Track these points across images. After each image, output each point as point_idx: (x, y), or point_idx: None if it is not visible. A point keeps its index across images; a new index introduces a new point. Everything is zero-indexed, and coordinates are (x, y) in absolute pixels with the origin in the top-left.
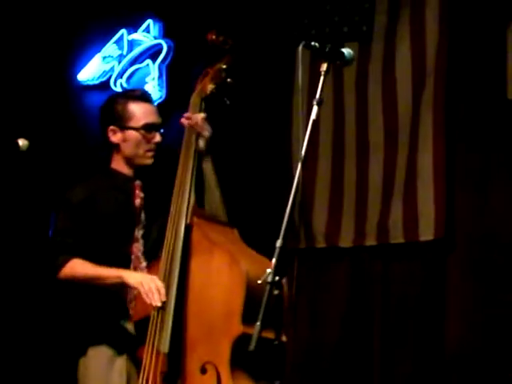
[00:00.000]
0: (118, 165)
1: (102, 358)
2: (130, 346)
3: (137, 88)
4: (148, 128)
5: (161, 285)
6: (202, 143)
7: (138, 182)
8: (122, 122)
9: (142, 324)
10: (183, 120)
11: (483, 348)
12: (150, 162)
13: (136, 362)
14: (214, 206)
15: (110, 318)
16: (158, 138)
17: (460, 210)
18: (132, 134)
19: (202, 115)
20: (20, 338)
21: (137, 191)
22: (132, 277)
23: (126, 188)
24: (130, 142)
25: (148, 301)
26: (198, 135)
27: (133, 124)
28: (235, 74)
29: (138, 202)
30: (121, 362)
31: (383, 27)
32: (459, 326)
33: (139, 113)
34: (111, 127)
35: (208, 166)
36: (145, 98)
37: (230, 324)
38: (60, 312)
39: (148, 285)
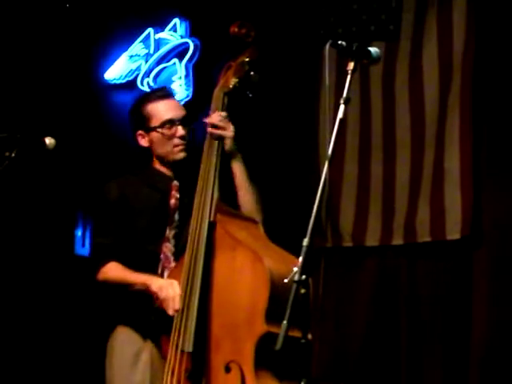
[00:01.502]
0: (157, 164)
1: (128, 347)
2: (155, 335)
3: (158, 87)
4: (168, 124)
5: (177, 292)
6: (228, 143)
7: (175, 183)
8: (145, 125)
9: (164, 313)
10: (206, 120)
11: (509, 348)
12: (181, 156)
13: (161, 353)
14: (248, 206)
15: (139, 302)
16: (180, 131)
17: (486, 208)
18: (155, 134)
19: (221, 114)
20: (51, 312)
21: (173, 192)
22: (154, 283)
23: (163, 187)
24: (156, 142)
25: (164, 307)
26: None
27: (153, 124)
28: (260, 68)
29: (172, 202)
30: (146, 354)
31: (410, 26)
32: (485, 325)
33: (157, 112)
34: (138, 132)
35: (237, 166)
36: (162, 95)
37: (253, 323)
38: (92, 293)
39: (166, 291)
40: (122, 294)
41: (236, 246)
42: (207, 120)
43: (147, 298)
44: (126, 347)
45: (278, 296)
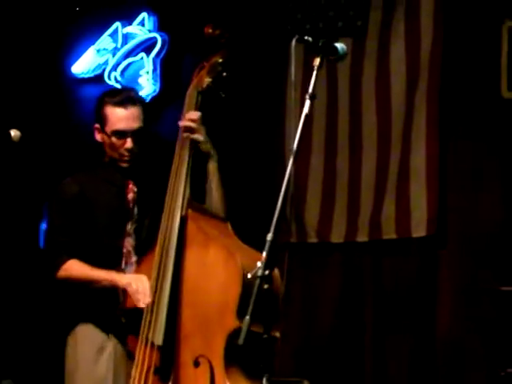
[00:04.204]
0: (110, 160)
1: (89, 343)
2: (119, 332)
3: (124, 89)
4: (117, 134)
5: (147, 286)
6: (202, 145)
7: (131, 176)
8: (101, 124)
9: (133, 313)
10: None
11: (473, 341)
12: (124, 165)
13: (125, 350)
14: (217, 205)
15: (101, 299)
16: (128, 144)
17: (452, 207)
18: (105, 137)
19: (197, 114)
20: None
21: (130, 185)
22: (122, 279)
23: (119, 182)
24: (106, 144)
25: (135, 301)
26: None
27: (106, 128)
28: (232, 68)
29: (130, 196)
30: (109, 350)
31: (378, 23)
32: (449, 319)
33: (112, 118)
34: (96, 125)
35: (212, 165)
36: (123, 102)
37: (225, 318)
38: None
39: (135, 285)
40: (83, 291)
41: (208, 241)
42: (181, 124)
43: (109, 294)
44: (88, 343)
45: (249, 292)
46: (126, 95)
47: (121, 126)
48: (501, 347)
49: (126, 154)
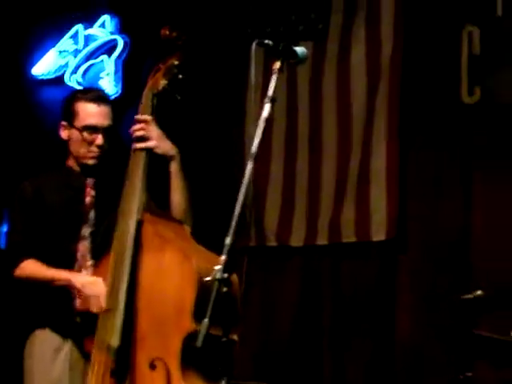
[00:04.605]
0: (71, 161)
1: (47, 344)
2: (75, 333)
3: (95, 88)
4: (88, 129)
5: (102, 290)
6: (158, 148)
7: (89, 180)
8: (70, 120)
9: (89, 314)
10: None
11: (432, 347)
12: (91, 162)
13: (82, 352)
14: (180, 208)
15: (57, 304)
16: (99, 140)
17: (413, 213)
18: (75, 133)
19: (146, 120)
20: None
21: (88, 189)
22: (78, 280)
23: (78, 185)
24: (74, 140)
25: (89, 305)
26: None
27: (76, 123)
28: (189, 71)
29: (88, 199)
30: (66, 351)
31: (339, 26)
32: (409, 325)
33: (84, 113)
34: (62, 122)
35: (173, 168)
36: (96, 98)
37: (181, 320)
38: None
39: (89, 289)
40: (40, 295)
41: (164, 245)
42: (131, 132)
43: (66, 298)
44: (46, 344)
45: (205, 295)
46: (98, 93)
47: (93, 121)
48: (459, 353)
49: (96, 150)
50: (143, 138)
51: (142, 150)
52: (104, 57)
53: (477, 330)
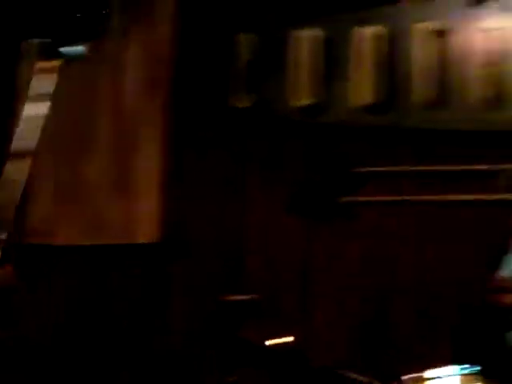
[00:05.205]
0: None
1: None
2: None
3: None
4: None
5: None
6: None
7: None
8: None
9: None
10: None
11: (202, 349)
12: None
13: None
14: None
15: None
16: None
17: (186, 215)
18: None
19: None
20: None
21: None
22: None
23: None
24: None
25: None
26: None
27: None
28: None
29: None
30: None
31: (117, 28)
32: (184, 326)
33: None
34: None
35: None
36: None
37: None
38: None
39: None
40: None
41: None
42: None
43: None
44: None
45: None
46: None
47: None
48: (225, 357)
49: None
50: None
51: None
52: None
53: (241, 334)
